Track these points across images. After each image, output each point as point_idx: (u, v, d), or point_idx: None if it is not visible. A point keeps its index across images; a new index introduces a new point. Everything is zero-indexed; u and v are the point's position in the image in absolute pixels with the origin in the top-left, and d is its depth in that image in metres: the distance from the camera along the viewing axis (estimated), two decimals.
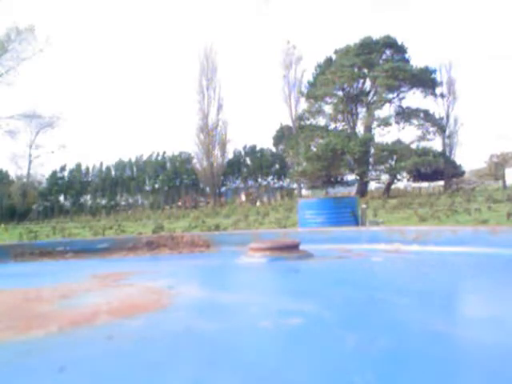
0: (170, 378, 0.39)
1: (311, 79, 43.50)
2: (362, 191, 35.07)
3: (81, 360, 0.44)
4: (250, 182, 52.22)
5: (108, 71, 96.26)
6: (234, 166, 51.13)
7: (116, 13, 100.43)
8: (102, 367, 0.42)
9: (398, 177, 39.11)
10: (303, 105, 43.47)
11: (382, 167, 38.20)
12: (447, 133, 41.67)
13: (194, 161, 46.37)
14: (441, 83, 41.43)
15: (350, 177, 40.42)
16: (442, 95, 41.65)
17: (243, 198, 46.60)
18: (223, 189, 49.33)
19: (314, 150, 39.19)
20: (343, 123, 41.31)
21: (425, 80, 38.45)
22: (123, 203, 47.68)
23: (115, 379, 0.39)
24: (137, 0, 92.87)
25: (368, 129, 39.38)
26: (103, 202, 47.18)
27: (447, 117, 41.89)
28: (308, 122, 41.80)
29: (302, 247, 1.06)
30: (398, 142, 37.59)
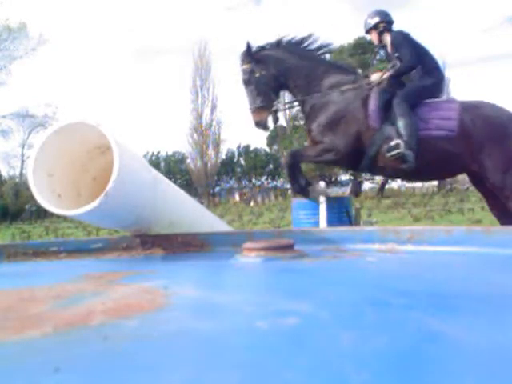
0: (166, 379, 0.39)
1: None
2: (356, 191, 35.16)
3: (76, 360, 0.43)
4: (244, 182, 52.23)
5: (100, 70, 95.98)
6: (228, 166, 51.14)
7: (107, 10, 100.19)
8: (98, 368, 0.42)
9: None
10: None
11: None
12: None
13: (188, 161, 46.32)
14: None
15: (344, 177, 40.52)
16: None
17: (237, 198, 46.60)
18: (217, 189, 49.29)
19: None
20: None
21: None
22: None
23: (111, 380, 0.39)
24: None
25: None
26: None
27: None
28: (302, 122, 41.82)
29: (296, 247, 1.06)
30: None
